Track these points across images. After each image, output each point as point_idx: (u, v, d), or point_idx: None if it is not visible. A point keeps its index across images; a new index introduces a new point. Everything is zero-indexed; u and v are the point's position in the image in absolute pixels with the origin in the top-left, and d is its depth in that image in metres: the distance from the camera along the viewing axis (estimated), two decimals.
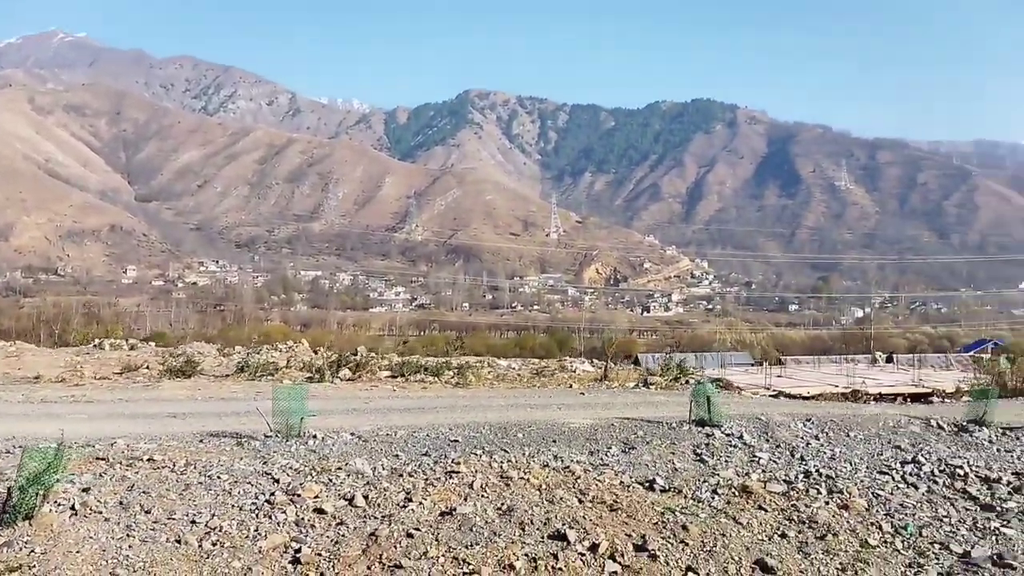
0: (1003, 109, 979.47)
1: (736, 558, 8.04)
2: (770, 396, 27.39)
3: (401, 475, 10.80)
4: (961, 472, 10.73)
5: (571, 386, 26.59)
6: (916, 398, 28.47)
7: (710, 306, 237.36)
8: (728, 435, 13.42)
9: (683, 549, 8.39)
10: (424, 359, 35.90)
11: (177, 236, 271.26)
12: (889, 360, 52.13)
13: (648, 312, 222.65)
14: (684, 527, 9.05)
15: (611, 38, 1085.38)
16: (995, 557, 7.79)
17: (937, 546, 8.34)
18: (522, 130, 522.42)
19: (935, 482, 10.46)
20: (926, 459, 11.49)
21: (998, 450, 12.49)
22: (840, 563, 7.99)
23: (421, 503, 9.67)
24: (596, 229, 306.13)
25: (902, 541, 8.48)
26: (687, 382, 29.06)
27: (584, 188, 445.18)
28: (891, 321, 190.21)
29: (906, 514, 9.24)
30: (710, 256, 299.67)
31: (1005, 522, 8.95)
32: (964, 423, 14.53)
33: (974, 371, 31.30)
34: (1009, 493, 9.84)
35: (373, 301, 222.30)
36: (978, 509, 9.46)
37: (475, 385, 26.88)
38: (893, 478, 10.67)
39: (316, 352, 41.08)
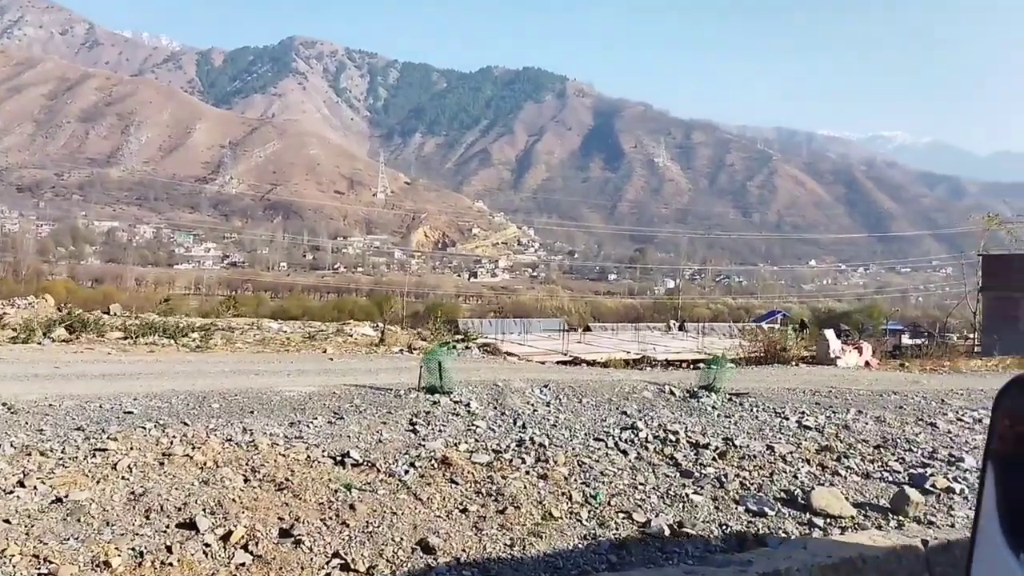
0: (800, 100, 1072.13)
1: (397, 539, 6.89)
2: (556, 363, 27.13)
3: (30, 454, 8.80)
4: (674, 438, 10.27)
5: (325, 351, 24.85)
6: (696, 364, 29.35)
7: (535, 273, 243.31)
8: (456, 403, 12.39)
9: (339, 532, 7.14)
10: (179, 319, 32.36)
11: None
12: (681, 328, 54.80)
13: (475, 278, 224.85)
14: (352, 506, 7.84)
15: None
16: (675, 526, 7.13)
17: (621, 515, 7.63)
18: (350, 84, 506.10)
19: (646, 448, 9.92)
20: (646, 425, 11.00)
21: (718, 416, 12.33)
22: (511, 538, 7.06)
23: (35, 488, 7.79)
24: (425, 192, 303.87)
25: (588, 511, 7.71)
26: (467, 347, 28.21)
27: (414, 149, 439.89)
28: (698, 292, 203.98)
29: (603, 482, 8.58)
30: (536, 224, 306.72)
31: (698, 488, 8.46)
32: (696, 389, 14.47)
33: (749, 338, 32.66)
34: (713, 459, 9.43)
35: (179, 257, 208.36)
36: (677, 475, 8.93)
37: (218, 350, 24.45)
38: (607, 444, 10.03)
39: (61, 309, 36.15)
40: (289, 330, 33.93)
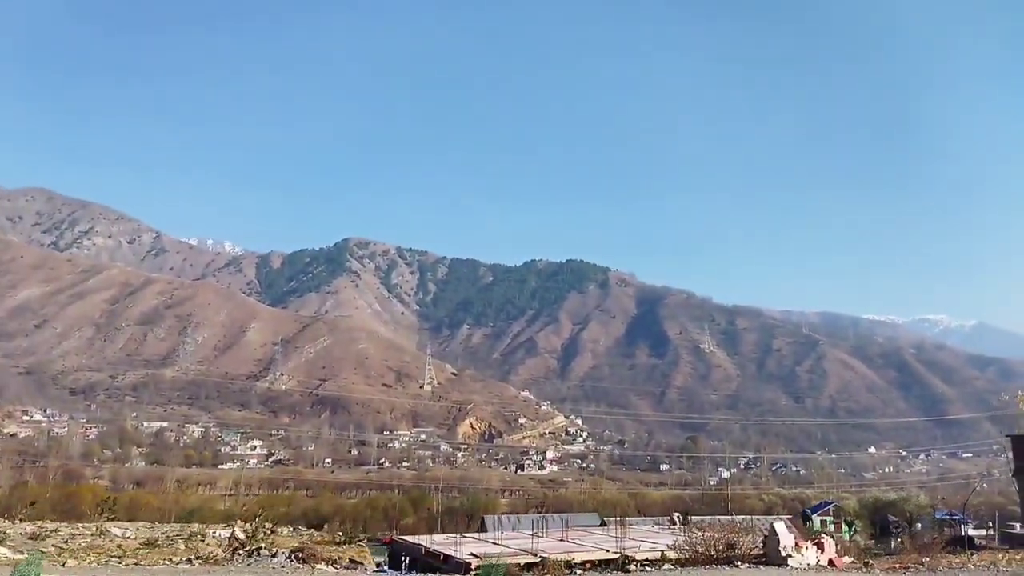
0: (845, 285, 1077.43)
1: None
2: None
3: None
4: None
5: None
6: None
7: (584, 464, 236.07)
8: None
9: None
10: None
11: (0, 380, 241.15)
12: (684, 522, 52.35)
13: (522, 470, 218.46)
14: None
15: (490, 196, 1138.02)
16: None
17: None
18: (401, 280, 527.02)
19: None
20: None
21: None
22: None
23: None
24: (471, 382, 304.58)
25: None
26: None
27: (461, 340, 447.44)
28: (751, 482, 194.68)
29: None
30: (584, 413, 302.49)
31: None
32: None
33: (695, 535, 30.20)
34: None
35: (224, 456, 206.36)
36: None
37: None
38: None
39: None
40: (134, 535, 32.84)
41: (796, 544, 26.65)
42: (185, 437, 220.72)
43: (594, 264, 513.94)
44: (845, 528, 65.09)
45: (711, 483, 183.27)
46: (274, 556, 28.36)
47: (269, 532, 31.40)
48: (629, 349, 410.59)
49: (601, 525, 51.93)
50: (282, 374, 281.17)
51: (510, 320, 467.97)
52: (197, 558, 27.72)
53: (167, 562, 26.29)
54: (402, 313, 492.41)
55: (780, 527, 27.28)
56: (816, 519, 68.35)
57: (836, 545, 29.14)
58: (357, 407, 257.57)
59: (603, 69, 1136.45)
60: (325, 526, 58.85)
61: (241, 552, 28.10)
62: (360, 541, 41.41)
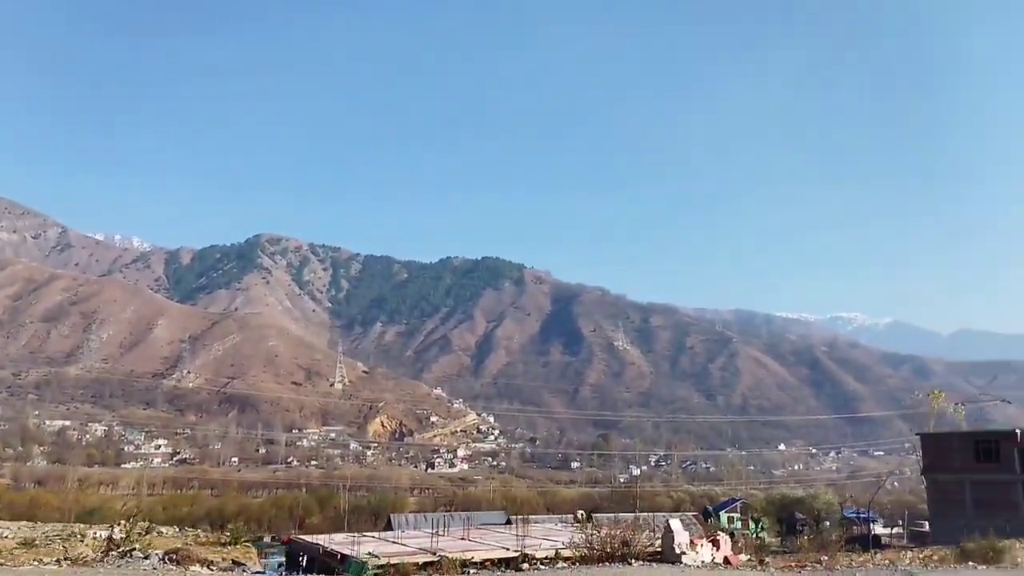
0: (757, 283, 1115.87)
1: None
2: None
3: None
4: None
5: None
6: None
7: (495, 462, 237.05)
8: None
9: None
10: None
11: None
12: (588, 520, 52.85)
13: (433, 468, 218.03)
14: None
15: (407, 193, 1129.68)
16: None
17: None
18: (313, 277, 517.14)
19: None
20: None
21: None
22: None
23: None
24: (383, 380, 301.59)
25: None
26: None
27: (374, 338, 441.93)
28: (661, 479, 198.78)
29: None
30: (497, 411, 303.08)
31: None
32: None
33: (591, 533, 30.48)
34: None
35: (127, 455, 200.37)
36: None
37: None
38: None
39: None
40: (12, 535, 32.59)
41: (692, 542, 26.60)
42: (88, 436, 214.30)
43: (510, 261, 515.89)
44: (752, 525, 65.33)
45: (622, 481, 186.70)
46: (146, 558, 27.62)
47: (144, 533, 30.53)
48: (543, 346, 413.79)
49: (507, 523, 52.23)
50: (189, 372, 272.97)
51: (424, 317, 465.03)
52: (67, 559, 26.87)
53: (36, 563, 25.33)
54: (314, 310, 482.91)
55: (675, 524, 27.21)
56: (723, 516, 68.24)
57: (734, 542, 29.46)
58: (266, 405, 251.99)
59: (520, 64, 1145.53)
60: (230, 526, 57.44)
61: (114, 553, 27.25)
62: (246, 541, 41.42)
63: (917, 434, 52.36)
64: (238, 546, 40.76)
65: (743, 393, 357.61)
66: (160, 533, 43.47)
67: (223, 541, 41.93)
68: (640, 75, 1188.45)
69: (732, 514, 70.53)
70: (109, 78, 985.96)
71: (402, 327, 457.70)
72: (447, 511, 71.37)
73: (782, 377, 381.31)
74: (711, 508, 77.12)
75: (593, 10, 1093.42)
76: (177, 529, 49.57)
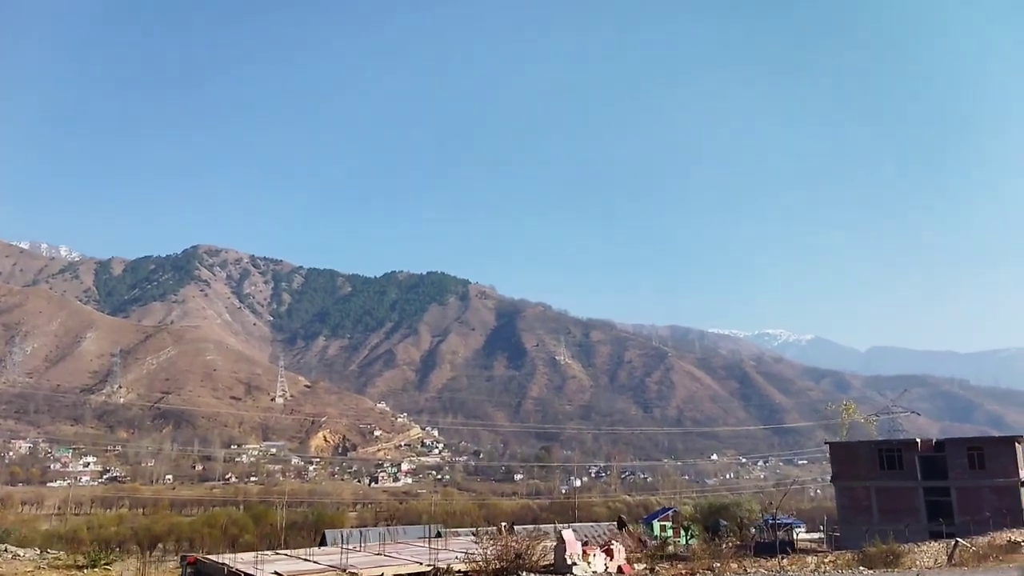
0: (693, 300, 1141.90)
1: None
2: None
3: None
4: None
5: None
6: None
7: (439, 476, 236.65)
8: None
9: None
10: None
11: None
12: (510, 531, 53.88)
13: (376, 483, 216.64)
14: None
15: (351, 207, 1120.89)
16: None
17: None
18: (254, 290, 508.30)
19: None
20: None
21: None
22: None
23: None
24: (326, 394, 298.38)
25: None
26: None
27: (317, 352, 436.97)
28: (600, 490, 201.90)
29: None
30: (441, 424, 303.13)
31: None
32: None
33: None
34: None
35: (53, 474, 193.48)
36: None
37: None
38: None
39: None
40: None
41: (584, 552, 26.63)
42: (11, 453, 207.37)
43: (455, 277, 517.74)
44: (683, 533, 66.57)
45: (563, 492, 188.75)
46: None
47: None
48: (488, 361, 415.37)
49: (437, 536, 52.90)
50: (121, 387, 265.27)
51: (368, 332, 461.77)
52: None
53: None
54: (255, 324, 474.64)
55: (568, 535, 27.11)
56: (655, 524, 69.48)
57: (662, 547, 29.69)
58: (203, 421, 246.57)
59: (466, 78, 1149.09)
60: (160, 546, 56.23)
61: None
62: (107, 564, 37.84)
63: (826, 443, 55.00)
64: (96, 570, 36.35)
65: (678, 406, 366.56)
66: (17, 556, 40.10)
67: (79, 564, 37.45)
68: (581, 97, 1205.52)
69: (665, 523, 72.19)
70: (36, 81, 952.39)
71: (346, 341, 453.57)
72: (387, 525, 71.90)
73: (714, 390, 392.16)
74: (646, 517, 78.90)
75: (531, 31, 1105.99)
76: (37, 552, 44.02)
